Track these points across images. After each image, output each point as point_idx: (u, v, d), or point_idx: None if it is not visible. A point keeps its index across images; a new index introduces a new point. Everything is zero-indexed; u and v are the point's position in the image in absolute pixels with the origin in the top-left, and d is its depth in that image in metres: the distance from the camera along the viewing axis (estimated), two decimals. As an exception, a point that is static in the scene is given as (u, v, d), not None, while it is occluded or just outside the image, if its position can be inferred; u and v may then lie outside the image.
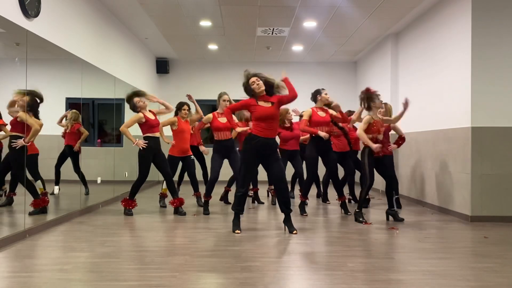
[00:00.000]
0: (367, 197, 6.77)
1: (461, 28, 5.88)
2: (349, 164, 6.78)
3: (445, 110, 6.33)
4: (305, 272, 3.42)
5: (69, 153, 6.20)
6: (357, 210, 5.46)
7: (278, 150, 4.83)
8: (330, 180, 6.17)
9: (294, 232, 4.71)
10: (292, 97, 4.67)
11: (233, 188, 7.09)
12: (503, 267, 3.58)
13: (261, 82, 4.64)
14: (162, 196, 6.67)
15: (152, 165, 5.90)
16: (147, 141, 5.68)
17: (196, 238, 4.51)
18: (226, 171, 6.54)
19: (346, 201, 6.18)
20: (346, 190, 7.49)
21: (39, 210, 5.07)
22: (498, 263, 3.67)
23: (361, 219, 5.38)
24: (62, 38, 5.50)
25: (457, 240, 4.58)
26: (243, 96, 4.85)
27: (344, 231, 4.94)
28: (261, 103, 4.66)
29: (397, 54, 8.39)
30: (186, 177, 6.87)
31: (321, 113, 5.81)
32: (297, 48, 9.61)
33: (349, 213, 5.99)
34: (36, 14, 4.81)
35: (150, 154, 5.76)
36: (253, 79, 4.67)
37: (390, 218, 5.58)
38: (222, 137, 5.96)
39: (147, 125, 5.73)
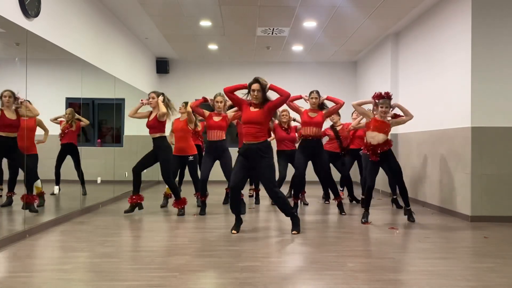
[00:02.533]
0: (359, 197, 6.82)
1: (461, 28, 5.88)
2: (340, 165, 6.84)
3: (445, 110, 6.33)
4: (305, 272, 3.42)
5: (71, 151, 6.19)
6: (364, 210, 5.49)
7: (268, 157, 4.67)
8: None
9: (293, 232, 4.70)
10: (284, 97, 4.68)
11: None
12: (503, 267, 3.58)
13: (259, 94, 4.62)
14: (166, 197, 6.66)
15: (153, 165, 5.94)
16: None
17: (196, 238, 4.51)
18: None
19: (342, 201, 6.19)
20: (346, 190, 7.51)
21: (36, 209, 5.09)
22: (498, 263, 3.67)
23: (363, 219, 5.40)
24: (62, 38, 5.50)
25: (457, 240, 4.58)
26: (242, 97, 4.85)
27: (344, 231, 4.94)
28: (251, 107, 4.70)
29: (397, 54, 8.39)
30: (186, 177, 6.87)
31: (312, 114, 5.83)
32: (297, 48, 9.61)
33: (343, 213, 6.00)
34: (36, 14, 4.81)
35: (152, 152, 5.85)
36: (255, 86, 4.63)
37: (401, 218, 5.58)
38: (214, 137, 5.92)
39: (146, 124, 5.83)
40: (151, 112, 5.88)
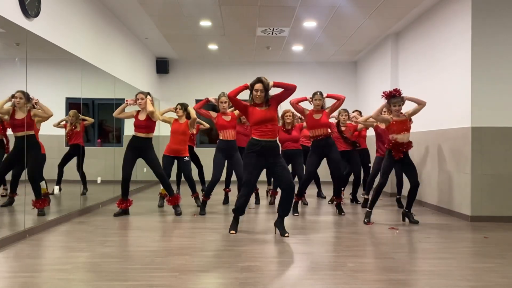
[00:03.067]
0: (365, 197, 6.80)
1: (461, 28, 5.89)
2: (352, 165, 6.82)
3: (445, 110, 6.33)
4: (305, 272, 3.42)
5: (76, 152, 6.19)
6: (368, 209, 5.46)
7: (280, 155, 4.72)
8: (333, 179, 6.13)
9: (286, 235, 4.59)
10: (291, 90, 4.63)
11: (232, 189, 7.10)
12: (503, 267, 3.58)
13: (262, 94, 4.58)
14: (162, 196, 6.66)
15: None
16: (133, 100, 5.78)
17: (196, 238, 4.51)
18: (225, 172, 6.55)
19: (341, 202, 6.17)
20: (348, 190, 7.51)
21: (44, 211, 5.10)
22: (498, 263, 3.68)
23: (366, 219, 5.39)
24: (62, 38, 5.50)
25: (457, 240, 4.58)
26: (243, 97, 4.84)
27: (344, 231, 4.94)
28: (258, 108, 4.64)
29: (397, 54, 8.39)
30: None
31: (316, 116, 5.84)
32: (297, 48, 9.61)
33: (343, 214, 6.00)
34: (36, 14, 4.81)
35: (132, 152, 5.74)
36: (258, 86, 4.59)
37: (406, 219, 5.54)
38: (227, 137, 5.90)
39: (134, 124, 5.80)
40: (138, 112, 5.80)
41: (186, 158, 6.38)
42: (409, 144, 5.34)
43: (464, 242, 4.55)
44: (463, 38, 5.84)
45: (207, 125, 7.72)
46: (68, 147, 6.26)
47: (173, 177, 7.01)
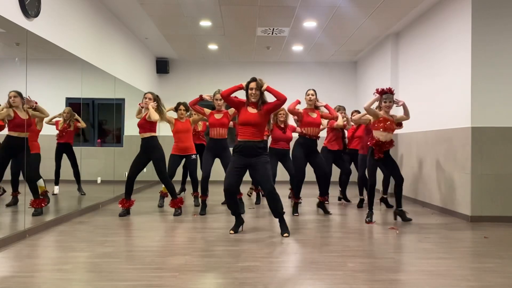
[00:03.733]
0: (361, 197, 6.81)
1: (461, 28, 5.89)
2: (343, 164, 6.82)
3: (445, 110, 6.33)
4: (305, 272, 3.42)
5: (67, 150, 6.15)
6: (369, 210, 5.50)
7: (265, 155, 4.64)
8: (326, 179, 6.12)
9: (285, 234, 4.59)
10: (281, 101, 4.63)
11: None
12: (503, 267, 3.58)
13: (258, 92, 4.61)
14: (162, 196, 6.66)
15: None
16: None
17: (196, 238, 4.51)
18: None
19: (326, 202, 6.15)
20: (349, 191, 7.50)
21: (41, 210, 5.09)
22: (498, 263, 3.68)
23: (368, 218, 5.42)
24: (62, 38, 5.50)
25: (457, 240, 4.58)
26: (243, 96, 4.85)
27: (344, 231, 4.94)
28: (249, 108, 4.67)
29: (397, 54, 8.39)
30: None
31: (312, 114, 5.85)
32: (297, 48, 9.61)
33: (330, 213, 6.01)
34: (36, 14, 4.81)
35: (140, 153, 5.76)
36: (252, 84, 4.63)
37: (398, 218, 5.56)
38: (216, 135, 5.95)
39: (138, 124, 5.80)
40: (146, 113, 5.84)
41: (193, 156, 6.38)
42: (390, 144, 5.40)
43: (464, 242, 4.55)
44: (463, 38, 5.84)
45: None
46: (55, 148, 6.16)
47: (178, 176, 7.00)
